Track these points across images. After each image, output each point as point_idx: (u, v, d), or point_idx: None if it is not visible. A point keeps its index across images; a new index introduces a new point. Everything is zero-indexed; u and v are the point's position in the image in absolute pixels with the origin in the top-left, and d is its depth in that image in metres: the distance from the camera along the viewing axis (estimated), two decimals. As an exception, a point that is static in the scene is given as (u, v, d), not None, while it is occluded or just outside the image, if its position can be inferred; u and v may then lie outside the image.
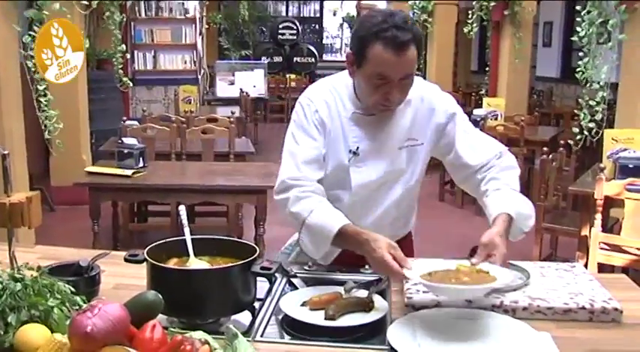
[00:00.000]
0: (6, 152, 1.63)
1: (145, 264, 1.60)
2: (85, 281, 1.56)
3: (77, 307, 1.37)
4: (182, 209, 1.88)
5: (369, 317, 1.64)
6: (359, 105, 2.00)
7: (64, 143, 4.90)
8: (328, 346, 1.54)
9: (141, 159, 4.32)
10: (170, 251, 1.69)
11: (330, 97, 2.02)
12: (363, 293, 1.76)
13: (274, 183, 2.02)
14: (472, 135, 2.09)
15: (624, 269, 4.46)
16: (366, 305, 1.69)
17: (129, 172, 4.18)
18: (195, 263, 1.66)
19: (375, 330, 1.61)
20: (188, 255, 1.69)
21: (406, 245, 2.14)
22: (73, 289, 1.38)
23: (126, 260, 1.64)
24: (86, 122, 6.61)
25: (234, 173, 4.66)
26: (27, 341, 1.23)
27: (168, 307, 1.48)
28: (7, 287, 1.31)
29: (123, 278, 1.83)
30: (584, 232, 4.13)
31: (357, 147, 2.00)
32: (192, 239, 1.71)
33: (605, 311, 1.72)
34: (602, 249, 3.92)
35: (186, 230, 1.75)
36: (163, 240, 1.70)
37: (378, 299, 1.73)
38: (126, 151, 4.30)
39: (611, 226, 4.24)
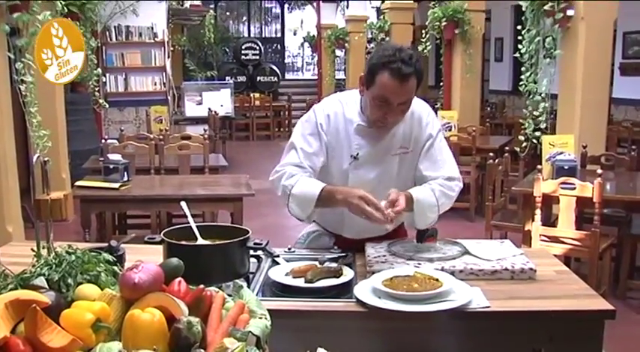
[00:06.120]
0: (46, 159, 2.04)
1: (160, 246, 2.03)
2: (117, 258, 1.96)
3: (114, 275, 1.78)
4: (183, 204, 2.32)
5: (339, 281, 2.10)
6: (364, 118, 2.38)
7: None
8: (309, 301, 1.99)
9: (125, 173, 4.70)
10: (179, 235, 2.10)
11: (338, 109, 2.41)
12: (333, 264, 2.21)
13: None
14: (440, 153, 2.46)
15: (566, 258, 4.98)
16: (337, 273, 2.14)
17: (116, 185, 4.56)
18: (201, 243, 2.09)
19: (344, 290, 2.07)
20: (194, 239, 2.11)
21: (400, 231, 2.67)
22: (114, 259, 1.80)
23: (145, 242, 2.06)
24: (65, 142, 6.92)
25: (211, 184, 5.09)
26: (85, 296, 1.63)
27: (182, 276, 1.91)
28: (65, 259, 1.72)
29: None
30: (528, 227, 4.63)
31: (358, 153, 2.39)
32: (196, 225, 2.14)
33: (523, 271, 2.20)
34: (542, 240, 4.43)
35: (190, 218, 2.18)
36: (173, 227, 2.13)
37: (345, 269, 2.19)
38: (112, 166, 4.68)
39: (553, 221, 4.75)
